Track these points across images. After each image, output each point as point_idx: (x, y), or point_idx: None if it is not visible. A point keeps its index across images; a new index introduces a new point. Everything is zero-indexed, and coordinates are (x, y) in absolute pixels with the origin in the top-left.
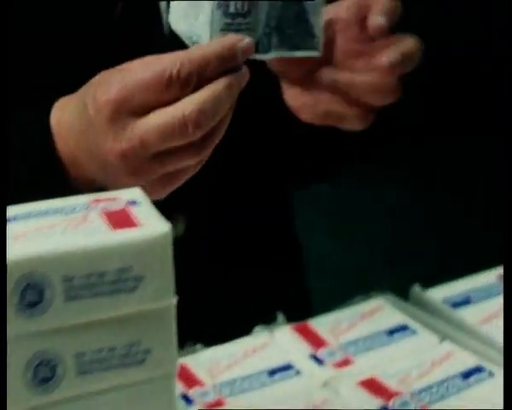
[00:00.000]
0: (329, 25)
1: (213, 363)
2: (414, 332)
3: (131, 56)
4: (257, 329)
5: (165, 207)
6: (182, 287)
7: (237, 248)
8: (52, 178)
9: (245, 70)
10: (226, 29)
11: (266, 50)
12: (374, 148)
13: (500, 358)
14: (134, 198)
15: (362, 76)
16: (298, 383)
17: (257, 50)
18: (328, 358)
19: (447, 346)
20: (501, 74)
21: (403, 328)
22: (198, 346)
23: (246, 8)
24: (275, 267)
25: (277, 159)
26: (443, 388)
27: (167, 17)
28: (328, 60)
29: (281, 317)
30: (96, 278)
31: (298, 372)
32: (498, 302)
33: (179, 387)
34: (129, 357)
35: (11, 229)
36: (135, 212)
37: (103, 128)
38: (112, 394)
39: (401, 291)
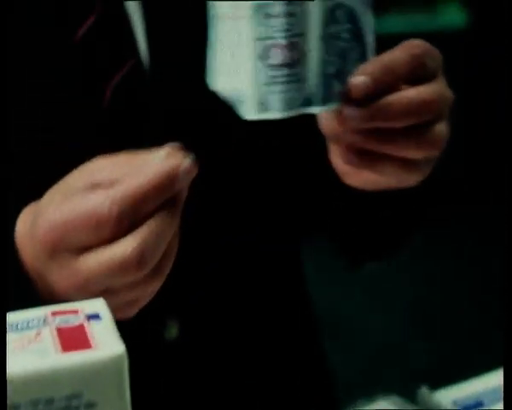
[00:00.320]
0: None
1: None
2: None
3: None
4: None
5: (157, 310)
6: (178, 392)
7: (235, 353)
8: (19, 288)
9: (189, 164)
10: (271, 82)
11: (322, 103)
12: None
13: None
14: (96, 311)
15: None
16: None
17: (310, 104)
18: None
19: None
20: None
21: None
22: None
23: (294, 58)
24: (273, 378)
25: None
26: None
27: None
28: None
29: None
30: (44, 405)
31: None
32: None
33: None
34: None
35: None
36: (92, 329)
37: (45, 261)
38: None
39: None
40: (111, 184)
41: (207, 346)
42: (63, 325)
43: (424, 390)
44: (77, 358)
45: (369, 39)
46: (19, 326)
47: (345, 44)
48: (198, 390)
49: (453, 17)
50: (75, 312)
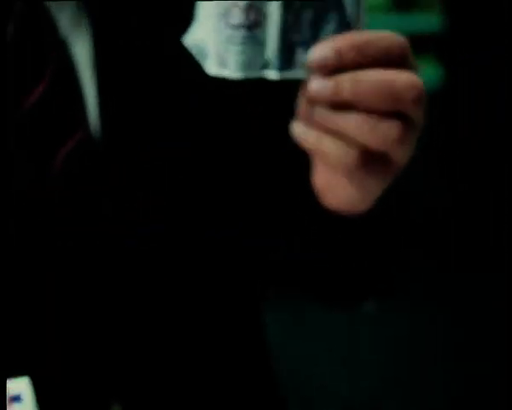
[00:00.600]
0: None
1: None
2: None
3: None
4: None
5: (100, 393)
6: None
7: None
8: None
9: None
10: (230, 41)
11: (281, 69)
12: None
13: None
14: (18, 392)
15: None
16: None
17: (267, 68)
18: None
19: None
20: None
21: None
22: None
23: (253, 20)
24: None
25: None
26: None
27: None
28: None
29: None
30: None
31: None
32: None
33: None
34: None
35: None
36: None
37: None
38: None
39: None
40: None
41: None
42: None
43: None
44: None
45: (351, 11)
46: None
47: (318, 14)
48: None
49: (427, 75)
50: None
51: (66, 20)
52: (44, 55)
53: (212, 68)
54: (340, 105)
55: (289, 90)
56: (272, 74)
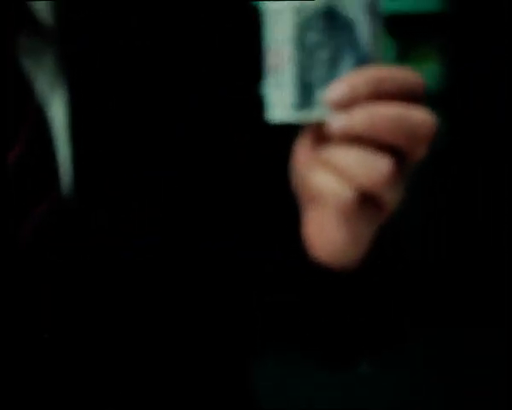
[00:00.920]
0: None
1: None
2: None
3: None
4: None
5: (92, 405)
6: None
7: None
8: None
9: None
10: (263, 86)
11: (301, 110)
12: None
13: None
14: None
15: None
16: None
17: (290, 110)
18: None
19: None
20: None
21: None
22: None
23: (276, 64)
24: None
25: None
26: None
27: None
28: None
29: None
30: None
31: None
32: None
33: None
34: None
35: None
36: None
37: None
38: None
39: None
40: None
41: None
42: None
43: None
44: None
45: (368, 48)
46: None
47: (335, 53)
48: None
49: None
50: None
51: (44, 81)
52: (21, 117)
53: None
54: (351, 141)
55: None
56: (292, 116)
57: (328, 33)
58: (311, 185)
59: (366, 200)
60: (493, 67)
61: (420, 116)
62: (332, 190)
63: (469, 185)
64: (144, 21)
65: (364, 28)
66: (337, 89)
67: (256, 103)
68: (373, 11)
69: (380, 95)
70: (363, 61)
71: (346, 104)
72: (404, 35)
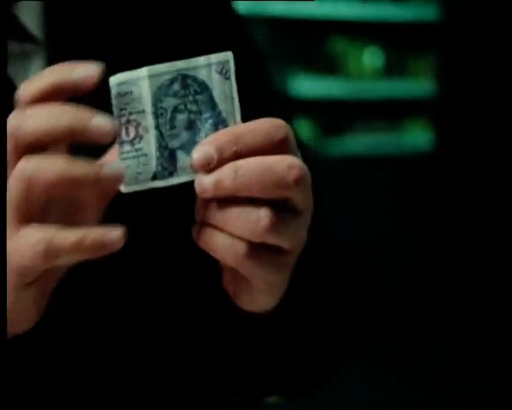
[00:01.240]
0: None
1: None
2: None
3: None
4: None
5: None
6: None
7: None
8: None
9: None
10: (121, 158)
11: (167, 177)
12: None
13: None
14: None
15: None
16: None
17: (156, 179)
18: None
19: None
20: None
21: None
22: None
23: (134, 135)
24: None
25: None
26: None
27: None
28: None
29: None
30: None
31: None
32: None
33: None
34: None
35: None
36: None
37: None
38: None
39: None
40: None
41: None
42: None
43: None
44: None
45: (225, 107)
46: None
47: (193, 116)
48: None
49: (418, 138)
50: None
51: None
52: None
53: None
54: (227, 198)
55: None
56: (160, 183)
57: (185, 97)
58: (203, 243)
59: (269, 250)
60: (488, 75)
61: (283, 163)
62: (221, 248)
63: (459, 193)
64: (133, 37)
65: (219, 88)
66: (201, 151)
67: None
68: (226, 72)
69: (243, 151)
70: (222, 121)
71: (213, 165)
72: (396, 45)
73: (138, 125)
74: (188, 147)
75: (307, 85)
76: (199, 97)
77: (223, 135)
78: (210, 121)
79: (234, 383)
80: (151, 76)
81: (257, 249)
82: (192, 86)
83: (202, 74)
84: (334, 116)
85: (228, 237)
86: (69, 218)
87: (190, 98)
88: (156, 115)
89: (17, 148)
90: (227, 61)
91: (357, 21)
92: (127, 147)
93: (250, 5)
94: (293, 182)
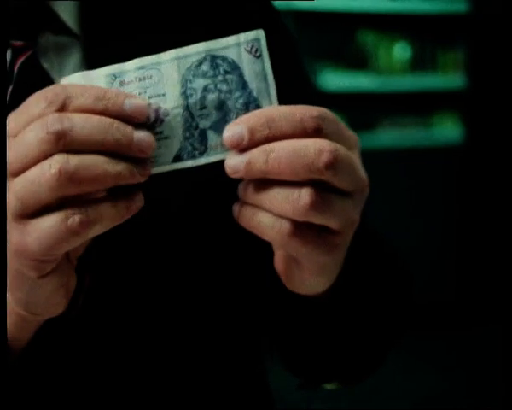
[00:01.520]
0: None
1: None
2: None
3: None
4: None
5: None
6: None
7: None
8: None
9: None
10: None
11: (196, 157)
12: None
13: None
14: None
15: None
16: None
17: (181, 160)
18: None
19: None
20: None
21: None
22: None
23: (155, 117)
24: None
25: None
26: None
27: None
28: None
29: None
30: None
31: None
32: None
33: None
34: None
35: None
36: None
37: None
38: None
39: None
40: None
41: None
42: None
43: None
44: None
45: (257, 86)
46: None
47: (224, 96)
48: None
49: (448, 132)
50: None
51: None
52: None
53: None
54: (264, 177)
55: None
56: (187, 163)
57: (214, 77)
58: (245, 222)
59: (316, 229)
60: None
61: (314, 147)
62: (265, 226)
63: (489, 186)
64: (168, 31)
65: (249, 67)
66: (233, 130)
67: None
68: (256, 50)
69: (275, 134)
70: (254, 101)
71: (244, 145)
72: (426, 38)
73: (159, 108)
74: (218, 127)
75: (336, 80)
76: (229, 77)
77: (256, 116)
78: (241, 100)
79: (290, 366)
80: (179, 57)
81: (302, 228)
82: (221, 66)
83: (232, 54)
84: (364, 110)
85: (270, 215)
86: None
87: (220, 78)
88: (186, 96)
89: (60, 146)
90: (257, 40)
91: (386, 15)
92: (158, 128)
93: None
94: (324, 166)
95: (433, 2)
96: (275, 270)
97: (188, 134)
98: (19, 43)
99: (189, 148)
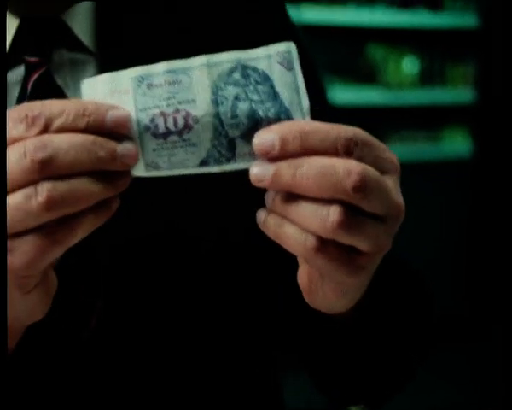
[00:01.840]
0: None
1: None
2: None
3: None
4: None
5: None
6: None
7: None
8: None
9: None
10: (159, 148)
11: (222, 164)
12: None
13: None
14: None
15: None
16: None
17: (207, 165)
18: None
19: None
20: None
21: None
22: None
23: (183, 124)
24: None
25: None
26: None
27: None
28: None
29: None
30: None
31: None
32: None
33: None
34: None
35: None
36: None
37: None
38: None
39: None
40: None
41: None
42: None
43: None
44: None
45: (289, 97)
46: None
47: (255, 105)
48: None
49: (457, 146)
50: None
51: None
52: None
53: (138, 171)
54: (289, 191)
55: None
56: (213, 169)
57: (246, 86)
58: (271, 232)
59: (343, 248)
60: None
61: (343, 167)
62: (291, 239)
63: (499, 201)
64: (184, 47)
65: (280, 79)
66: (266, 138)
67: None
68: (287, 62)
69: (307, 149)
70: (285, 111)
71: (274, 154)
72: (435, 53)
73: (188, 114)
74: (248, 136)
75: (345, 94)
76: (260, 87)
77: (289, 127)
78: (272, 111)
79: (317, 385)
80: (210, 64)
81: (328, 245)
82: (252, 76)
83: (262, 65)
84: (373, 125)
85: (297, 228)
86: None
87: (251, 88)
88: (216, 104)
89: (44, 173)
90: (288, 52)
91: (395, 29)
92: (174, 137)
93: None
94: (351, 188)
95: (443, 16)
96: (297, 285)
97: (216, 142)
98: (33, 59)
99: (217, 155)
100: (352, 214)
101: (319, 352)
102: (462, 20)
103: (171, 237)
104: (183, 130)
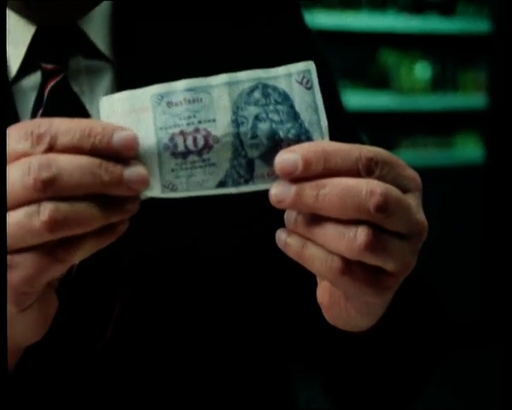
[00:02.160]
0: None
1: None
2: None
3: None
4: None
5: None
6: None
7: None
8: None
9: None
10: (178, 169)
11: (240, 185)
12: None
13: None
14: None
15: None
16: None
17: (224, 186)
18: None
19: None
20: None
21: None
22: None
23: (202, 143)
24: None
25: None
26: None
27: None
28: None
29: None
30: None
31: None
32: None
33: None
34: None
35: None
36: None
37: None
38: None
39: None
40: None
41: None
42: None
43: None
44: None
45: (308, 117)
46: None
47: (276, 126)
48: None
49: (469, 152)
50: None
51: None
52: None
53: (154, 192)
54: (311, 212)
55: None
56: (231, 190)
57: (266, 106)
58: (294, 253)
59: (368, 269)
60: None
61: (365, 188)
62: (315, 260)
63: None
64: (201, 55)
65: (300, 98)
66: (288, 158)
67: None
68: (307, 81)
69: (330, 171)
70: (305, 131)
71: (296, 175)
72: (447, 58)
73: (208, 134)
74: (267, 157)
75: (357, 99)
76: (280, 107)
77: (312, 148)
78: (293, 131)
79: (332, 399)
80: (231, 83)
81: (353, 266)
82: (272, 96)
83: (282, 84)
84: (385, 130)
85: (322, 249)
86: None
87: (271, 108)
88: (237, 124)
89: (47, 193)
90: (308, 71)
91: (407, 34)
92: (194, 157)
93: None
94: (374, 208)
95: (455, 21)
96: (315, 300)
97: (235, 162)
98: (50, 66)
99: (235, 175)
100: (379, 235)
101: (333, 366)
102: (475, 25)
103: (187, 253)
104: (203, 150)
